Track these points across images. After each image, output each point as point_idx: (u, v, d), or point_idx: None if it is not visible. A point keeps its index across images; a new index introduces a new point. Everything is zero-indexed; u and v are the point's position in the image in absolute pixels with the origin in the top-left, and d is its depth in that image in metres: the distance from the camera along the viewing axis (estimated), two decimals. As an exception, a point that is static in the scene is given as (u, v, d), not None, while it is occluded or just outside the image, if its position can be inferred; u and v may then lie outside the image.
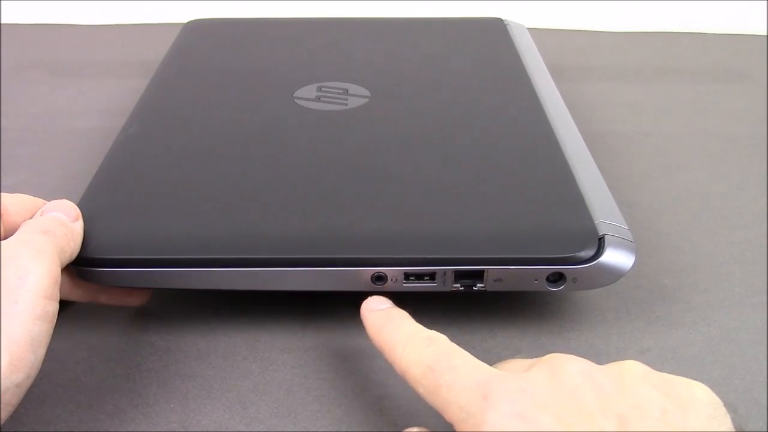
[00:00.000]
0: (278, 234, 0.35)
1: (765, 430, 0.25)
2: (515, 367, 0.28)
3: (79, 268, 0.34)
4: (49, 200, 0.34)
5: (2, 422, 0.27)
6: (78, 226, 0.33)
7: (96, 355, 0.36)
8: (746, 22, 0.76)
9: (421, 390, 0.28)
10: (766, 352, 0.36)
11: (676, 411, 0.25)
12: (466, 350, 0.30)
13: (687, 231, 0.45)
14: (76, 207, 0.34)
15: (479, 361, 0.27)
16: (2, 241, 0.30)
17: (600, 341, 0.37)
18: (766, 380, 0.34)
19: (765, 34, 0.75)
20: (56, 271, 0.29)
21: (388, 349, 0.30)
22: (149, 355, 0.36)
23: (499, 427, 0.24)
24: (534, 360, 0.28)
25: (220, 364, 0.35)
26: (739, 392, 0.33)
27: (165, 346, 0.36)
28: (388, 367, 0.35)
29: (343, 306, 0.38)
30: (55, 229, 0.31)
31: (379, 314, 0.32)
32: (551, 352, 0.32)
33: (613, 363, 0.27)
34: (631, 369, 0.26)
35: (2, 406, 0.26)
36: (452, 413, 0.26)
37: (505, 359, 0.30)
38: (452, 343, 0.29)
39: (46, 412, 0.33)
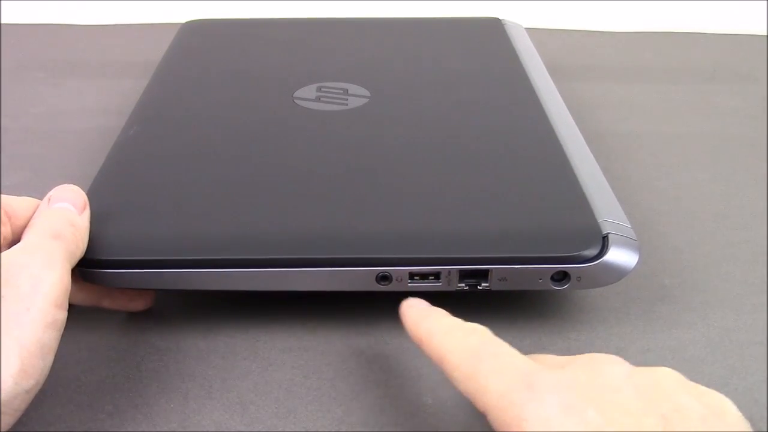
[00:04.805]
0: (282, 234, 0.35)
1: (765, 430, 0.25)
2: (546, 362, 0.28)
3: (82, 269, 0.34)
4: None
5: (10, 427, 0.27)
6: (85, 218, 0.33)
7: (96, 355, 0.36)
8: (746, 22, 0.76)
9: (457, 375, 0.27)
10: (766, 352, 0.36)
11: (714, 419, 0.24)
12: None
13: (687, 231, 0.45)
14: (84, 194, 0.34)
15: (521, 354, 0.27)
16: (14, 247, 0.30)
17: (600, 341, 0.37)
18: (766, 380, 0.34)
19: (765, 34, 0.75)
20: (67, 279, 0.29)
21: (426, 338, 0.30)
22: (149, 355, 0.36)
23: (544, 417, 0.24)
24: (567, 357, 0.28)
25: (220, 364, 0.35)
26: (739, 392, 0.33)
27: (165, 346, 0.36)
28: (388, 367, 0.35)
29: (344, 306, 0.38)
30: (65, 232, 0.31)
31: (420, 309, 0.32)
32: (551, 352, 0.32)
33: (647, 368, 0.27)
34: (668, 375, 0.26)
35: (11, 411, 0.27)
36: (490, 400, 0.26)
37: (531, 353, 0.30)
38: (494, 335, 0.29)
39: (46, 412, 0.33)
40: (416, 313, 0.32)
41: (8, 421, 0.27)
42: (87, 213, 0.34)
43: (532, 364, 0.26)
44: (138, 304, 0.37)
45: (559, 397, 0.24)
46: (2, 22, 0.79)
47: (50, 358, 0.28)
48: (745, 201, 0.47)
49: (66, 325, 0.29)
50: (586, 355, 0.27)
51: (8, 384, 0.26)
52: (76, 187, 0.34)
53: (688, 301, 0.39)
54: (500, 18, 0.61)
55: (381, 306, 0.38)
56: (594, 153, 0.42)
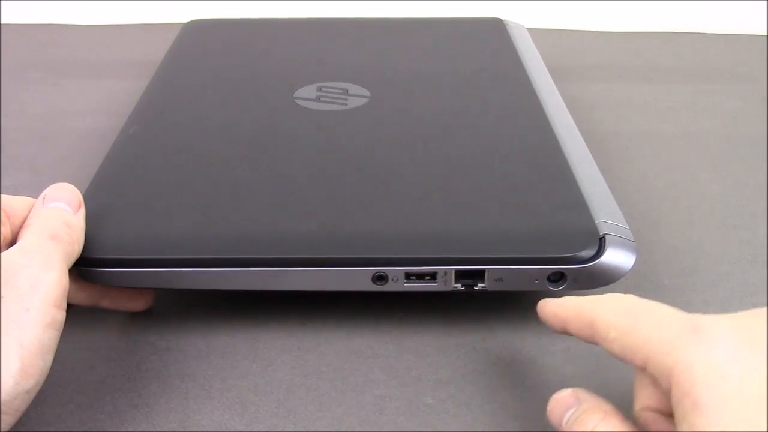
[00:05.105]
0: (279, 234, 0.35)
1: (765, 430, 0.25)
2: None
3: (81, 268, 0.34)
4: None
5: (10, 428, 0.27)
6: (80, 217, 0.33)
7: (96, 355, 0.36)
8: (746, 22, 0.76)
9: (612, 334, 0.27)
10: (765, 352, 0.36)
11: None
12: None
13: (687, 231, 0.44)
14: (78, 193, 0.34)
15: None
16: (12, 248, 0.30)
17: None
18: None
19: (765, 34, 0.75)
20: (65, 280, 0.30)
21: (575, 311, 0.29)
22: (149, 355, 0.36)
23: (713, 360, 0.23)
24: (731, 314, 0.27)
25: (220, 364, 0.35)
26: (739, 392, 0.33)
27: (165, 346, 0.36)
28: (388, 367, 0.35)
29: (344, 306, 0.38)
30: (61, 233, 0.31)
31: (557, 299, 0.31)
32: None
33: None
34: None
35: (11, 411, 0.27)
36: (651, 348, 0.25)
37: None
38: None
39: (46, 412, 0.33)
40: (555, 301, 0.31)
41: (9, 421, 0.27)
42: (82, 212, 0.34)
43: (694, 314, 0.26)
44: (138, 304, 0.37)
45: (730, 343, 0.24)
46: (2, 22, 0.79)
47: (50, 358, 0.28)
48: (745, 201, 0.47)
49: (66, 325, 0.29)
50: (752, 310, 0.26)
51: (9, 384, 0.26)
52: (71, 185, 0.34)
53: (688, 301, 0.39)
54: (502, 18, 0.61)
55: (381, 306, 0.38)
56: (594, 153, 0.42)
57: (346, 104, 0.46)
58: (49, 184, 0.34)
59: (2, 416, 0.26)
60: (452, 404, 0.33)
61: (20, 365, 0.26)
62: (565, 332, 0.30)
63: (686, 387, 0.23)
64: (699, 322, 0.25)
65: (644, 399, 0.27)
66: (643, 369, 0.26)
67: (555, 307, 0.31)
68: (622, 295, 0.29)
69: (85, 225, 0.34)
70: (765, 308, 0.26)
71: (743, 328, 0.24)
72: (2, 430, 0.26)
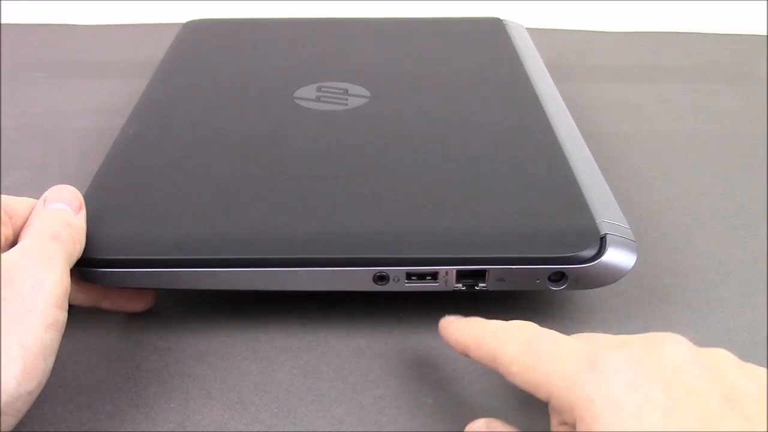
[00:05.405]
0: (279, 234, 0.35)
1: (764, 430, 0.25)
2: (598, 341, 0.28)
3: (82, 268, 0.34)
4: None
5: (11, 428, 0.27)
6: (81, 218, 0.33)
7: (96, 355, 0.36)
8: (746, 22, 0.76)
9: (515, 369, 0.27)
10: (766, 352, 0.36)
11: None
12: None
13: (687, 231, 0.45)
14: (79, 194, 0.34)
15: (577, 339, 0.27)
16: (13, 249, 0.30)
17: (600, 341, 0.37)
18: (765, 380, 0.34)
19: (765, 34, 0.75)
20: (67, 280, 0.30)
21: (475, 342, 0.30)
22: (149, 355, 0.36)
23: (611, 396, 0.24)
24: (621, 337, 0.28)
25: (220, 364, 0.35)
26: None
27: (165, 346, 0.36)
28: (388, 367, 0.35)
29: (344, 306, 0.38)
30: (62, 233, 0.31)
31: (460, 321, 0.32)
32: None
33: (704, 348, 0.27)
34: (725, 357, 0.26)
35: (13, 413, 0.27)
36: (552, 385, 0.26)
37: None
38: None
39: (46, 412, 0.33)
40: (458, 324, 0.32)
41: (10, 422, 0.27)
42: (83, 213, 0.34)
43: (592, 347, 0.26)
44: (137, 305, 0.37)
45: (625, 376, 0.24)
46: (2, 22, 0.79)
47: (51, 359, 0.28)
48: (745, 201, 0.47)
49: (66, 325, 0.29)
50: (645, 334, 0.27)
51: (11, 385, 0.26)
52: (72, 187, 0.34)
53: (688, 301, 0.39)
54: (502, 18, 0.61)
55: (381, 306, 0.38)
56: (594, 153, 0.42)
57: (346, 104, 0.46)
58: (50, 184, 0.34)
59: (4, 417, 0.26)
60: (452, 404, 0.33)
61: (22, 366, 0.26)
62: (467, 356, 0.30)
63: (588, 421, 0.24)
64: (596, 357, 0.25)
65: (558, 419, 0.28)
66: (547, 402, 0.26)
67: (456, 333, 0.31)
68: (523, 325, 0.29)
69: (85, 225, 0.34)
70: (659, 334, 0.27)
71: (638, 360, 0.25)
72: (3, 431, 0.26)
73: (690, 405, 0.24)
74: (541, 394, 0.26)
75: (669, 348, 0.26)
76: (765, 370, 0.26)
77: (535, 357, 0.27)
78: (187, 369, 0.35)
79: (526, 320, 0.37)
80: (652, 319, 0.38)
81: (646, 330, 0.37)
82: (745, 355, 0.35)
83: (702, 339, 0.36)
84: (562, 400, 0.25)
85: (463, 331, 0.31)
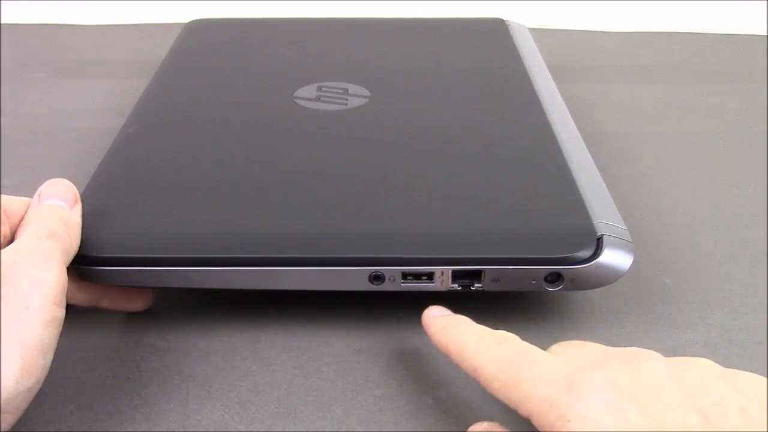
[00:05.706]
0: (277, 233, 0.35)
1: (764, 430, 0.25)
2: (579, 355, 0.28)
3: (80, 266, 0.34)
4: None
5: (11, 427, 0.27)
6: (77, 213, 0.33)
7: (96, 355, 0.36)
8: (746, 22, 0.76)
9: (496, 385, 0.28)
10: (766, 352, 0.36)
11: (753, 408, 0.25)
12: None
13: (687, 231, 0.44)
14: (74, 188, 0.34)
15: (556, 357, 0.28)
16: (9, 247, 0.30)
17: (600, 341, 0.36)
18: (766, 379, 0.34)
19: (765, 34, 0.75)
20: (64, 278, 0.30)
21: (457, 350, 0.30)
22: (149, 355, 0.36)
23: (587, 416, 0.24)
24: (606, 351, 0.28)
25: (220, 364, 0.35)
26: (739, 392, 0.33)
27: (165, 346, 0.36)
28: (388, 367, 0.35)
29: (343, 306, 0.38)
30: (59, 231, 0.31)
31: (443, 319, 0.32)
32: (551, 352, 0.32)
33: (684, 359, 0.27)
34: (707, 368, 0.26)
35: (12, 410, 0.27)
36: (532, 405, 0.26)
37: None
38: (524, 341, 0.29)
39: (46, 412, 0.33)
40: (441, 323, 0.32)
41: (9, 420, 0.27)
42: (78, 208, 0.34)
43: (572, 365, 0.27)
44: (137, 305, 0.37)
45: (602, 397, 0.25)
46: (2, 22, 0.79)
47: (50, 357, 0.28)
48: (745, 201, 0.47)
49: (65, 325, 0.29)
50: (623, 351, 0.28)
51: (10, 383, 0.26)
52: (67, 181, 0.34)
53: (688, 301, 0.39)
54: (504, 18, 0.61)
55: (380, 306, 0.38)
56: (593, 153, 0.42)
57: (346, 104, 0.46)
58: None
59: (3, 415, 0.26)
60: (452, 404, 0.33)
61: (21, 363, 0.26)
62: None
63: None
64: (573, 378, 0.26)
65: None
66: (528, 420, 0.27)
67: (437, 335, 0.32)
68: (504, 338, 0.29)
69: (81, 221, 0.34)
70: (638, 351, 0.27)
71: (615, 380, 0.25)
72: (3, 429, 0.26)
73: (666, 423, 0.24)
74: (522, 412, 0.27)
75: (646, 366, 0.26)
76: (748, 374, 0.26)
77: (515, 375, 0.27)
78: (187, 369, 0.35)
79: (526, 320, 0.38)
80: (652, 319, 0.38)
81: (645, 330, 0.37)
82: (745, 355, 0.36)
83: (702, 339, 0.37)
84: (542, 420, 0.26)
85: (446, 333, 0.31)
